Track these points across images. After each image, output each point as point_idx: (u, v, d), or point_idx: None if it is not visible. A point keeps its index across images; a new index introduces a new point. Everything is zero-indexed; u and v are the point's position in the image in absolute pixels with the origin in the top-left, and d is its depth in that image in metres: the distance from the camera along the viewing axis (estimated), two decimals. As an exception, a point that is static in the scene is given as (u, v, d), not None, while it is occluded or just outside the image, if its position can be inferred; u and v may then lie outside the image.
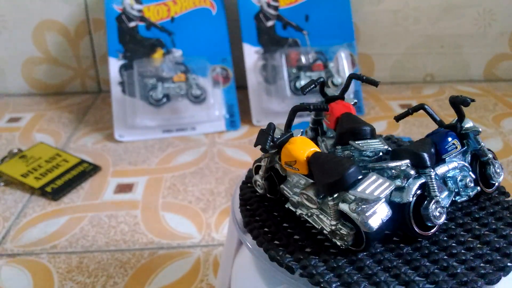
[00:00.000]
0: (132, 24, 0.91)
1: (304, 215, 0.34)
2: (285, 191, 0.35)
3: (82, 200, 0.70)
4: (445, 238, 0.33)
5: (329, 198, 0.31)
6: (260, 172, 0.36)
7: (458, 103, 0.35)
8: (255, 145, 0.34)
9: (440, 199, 0.32)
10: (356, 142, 0.35)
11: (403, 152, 0.34)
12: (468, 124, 0.36)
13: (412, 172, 0.32)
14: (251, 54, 0.94)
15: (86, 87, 1.09)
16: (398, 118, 0.38)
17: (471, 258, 0.32)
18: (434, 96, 1.05)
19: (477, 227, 0.34)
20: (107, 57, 0.93)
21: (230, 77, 0.92)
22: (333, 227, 0.31)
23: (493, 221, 0.35)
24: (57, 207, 0.68)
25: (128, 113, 0.88)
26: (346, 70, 0.92)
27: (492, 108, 0.99)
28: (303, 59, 0.91)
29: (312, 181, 0.33)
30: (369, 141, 0.35)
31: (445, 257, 0.32)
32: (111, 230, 0.63)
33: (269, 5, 0.94)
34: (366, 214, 0.30)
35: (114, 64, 0.90)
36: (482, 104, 1.01)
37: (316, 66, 0.91)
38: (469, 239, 0.33)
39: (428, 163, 0.33)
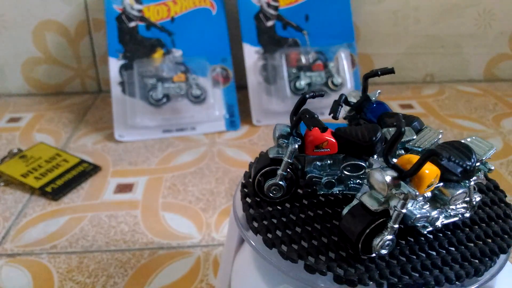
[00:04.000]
0: (132, 24, 0.91)
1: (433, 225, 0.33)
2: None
3: (82, 200, 0.70)
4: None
5: (472, 178, 0.33)
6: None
7: (384, 74, 0.39)
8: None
9: None
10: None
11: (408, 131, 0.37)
12: (371, 92, 0.41)
13: None
14: (251, 54, 0.94)
15: (86, 87, 1.09)
16: (333, 113, 0.37)
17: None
18: (434, 96, 1.05)
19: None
20: (107, 57, 0.93)
21: (230, 77, 0.92)
22: (474, 201, 0.34)
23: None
24: (57, 207, 0.68)
25: (128, 113, 0.88)
26: (346, 70, 0.93)
27: (492, 108, 0.99)
28: (303, 59, 0.91)
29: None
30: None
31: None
32: (111, 230, 0.63)
33: (269, 5, 0.94)
34: None
35: (114, 64, 0.90)
36: (482, 104, 1.01)
37: (316, 66, 0.91)
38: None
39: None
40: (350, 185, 0.36)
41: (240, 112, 0.93)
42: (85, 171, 0.76)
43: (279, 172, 0.35)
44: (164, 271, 0.56)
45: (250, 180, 0.39)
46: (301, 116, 0.34)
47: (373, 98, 0.40)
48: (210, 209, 0.68)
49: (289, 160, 0.35)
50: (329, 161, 0.36)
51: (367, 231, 0.30)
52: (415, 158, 0.30)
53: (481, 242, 0.34)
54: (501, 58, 1.11)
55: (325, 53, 0.93)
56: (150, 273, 0.56)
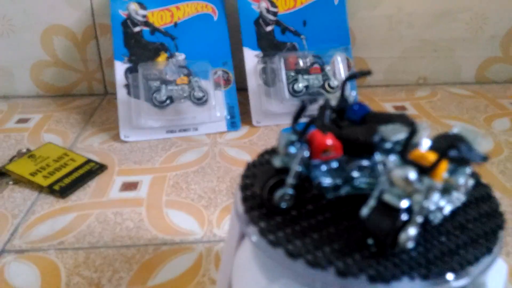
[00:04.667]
0: (137, 29, 0.92)
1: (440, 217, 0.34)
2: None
3: (88, 198, 0.70)
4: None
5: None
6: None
7: (362, 76, 0.39)
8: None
9: None
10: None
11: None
12: (349, 92, 0.41)
13: None
14: (251, 57, 0.94)
15: (92, 90, 1.09)
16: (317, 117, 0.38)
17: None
18: (427, 98, 1.05)
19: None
20: (113, 61, 0.93)
21: (231, 79, 0.93)
22: (469, 185, 0.35)
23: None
24: (64, 205, 0.69)
25: (133, 114, 0.88)
26: (342, 73, 0.93)
27: (484, 110, 0.99)
28: (301, 63, 0.92)
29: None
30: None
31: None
32: (117, 227, 0.64)
33: (268, 11, 0.95)
34: None
35: (120, 67, 0.90)
36: (474, 106, 1.01)
37: (313, 69, 0.91)
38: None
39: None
40: (356, 186, 0.36)
41: (240, 113, 0.94)
42: (92, 170, 0.76)
43: (289, 181, 0.34)
44: (167, 266, 0.56)
45: (248, 193, 0.38)
46: (312, 123, 0.33)
47: (351, 100, 0.40)
48: (212, 207, 0.68)
49: (298, 168, 0.34)
50: (334, 165, 0.35)
51: (396, 228, 0.30)
52: (428, 152, 0.31)
53: (478, 223, 0.34)
54: (492, 61, 1.11)
55: (322, 56, 0.93)
56: (154, 268, 0.56)
